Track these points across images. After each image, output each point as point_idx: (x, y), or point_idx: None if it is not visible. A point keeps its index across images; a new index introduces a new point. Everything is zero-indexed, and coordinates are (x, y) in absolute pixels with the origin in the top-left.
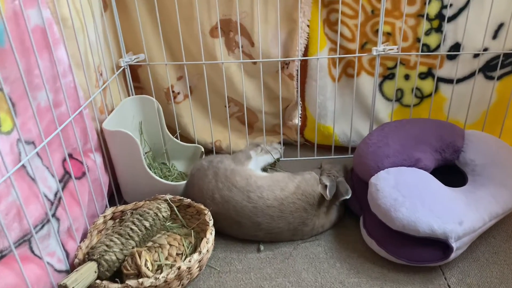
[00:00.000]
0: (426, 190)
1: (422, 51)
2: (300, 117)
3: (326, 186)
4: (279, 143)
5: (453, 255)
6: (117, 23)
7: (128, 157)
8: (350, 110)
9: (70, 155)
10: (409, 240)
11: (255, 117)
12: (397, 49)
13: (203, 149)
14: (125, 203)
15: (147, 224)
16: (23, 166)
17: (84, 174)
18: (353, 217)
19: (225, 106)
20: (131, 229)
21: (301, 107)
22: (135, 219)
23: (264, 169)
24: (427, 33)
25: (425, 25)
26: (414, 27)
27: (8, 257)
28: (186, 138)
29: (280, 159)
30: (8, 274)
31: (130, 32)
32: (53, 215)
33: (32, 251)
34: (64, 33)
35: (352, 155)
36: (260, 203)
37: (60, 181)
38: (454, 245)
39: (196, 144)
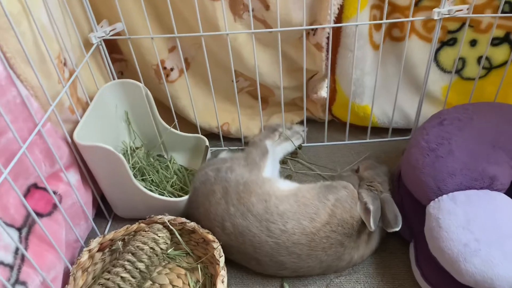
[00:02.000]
0: (507, 230)
1: (502, 12)
2: (329, 89)
3: (369, 210)
4: (301, 122)
5: None
6: None
7: (112, 173)
8: (393, 85)
9: (35, 185)
10: None
11: (270, 91)
12: (468, 9)
13: (207, 143)
14: (116, 216)
15: (142, 266)
16: None
17: (55, 206)
18: (400, 239)
19: (232, 81)
20: (122, 278)
21: (330, 78)
22: (126, 262)
23: (284, 161)
24: None
25: None
26: None
27: None
28: (186, 123)
29: (303, 145)
30: None
31: None
32: (16, 281)
33: None
34: None
35: (393, 138)
36: (283, 238)
37: (22, 227)
38: None
39: (199, 135)
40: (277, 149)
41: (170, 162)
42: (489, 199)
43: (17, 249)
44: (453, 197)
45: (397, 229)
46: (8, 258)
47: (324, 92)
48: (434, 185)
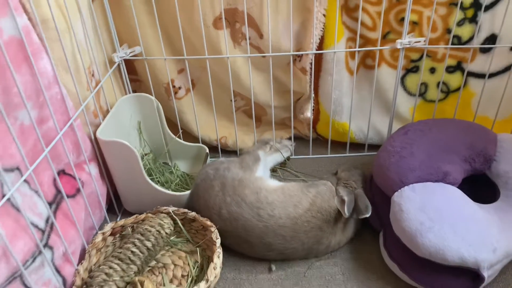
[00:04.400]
0: (457, 213)
1: (452, 44)
2: (313, 110)
3: (343, 201)
4: (289, 138)
5: (483, 284)
6: (108, 14)
7: (126, 167)
8: (367, 106)
9: (63, 171)
10: (436, 268)
11: (263, 110)
12: (424, 41)
13: (207, 150)
14: (125, 211)
15: (149, 244)
16: (8, 198)
17: (78, 190)
18: (371, 230)
19: (231, 101)
20: (132, 252)
21: (313, 100)
22: (136, 240)
23: (274, 169)
24: (460, 23)
25: (457, 14)
26: (445, 17)
27: None
28: (189, 135)
29: (291, 157)
30: None
31: (124, 24)
32: (46, 244)
33: (25, 285)
34: (45, 38)
35: (369, 153)
36: (271, 222)
37: (52, 203)
38: (485, 274)
39: (200, 144)
40: (268, 158)
41: (173, 168)
42: (442, 189)
43: (47, 219)
44: (412, 188)
45: (367, 215)
46: (41, 224)
47: (309, 113)
48: (398, 179)
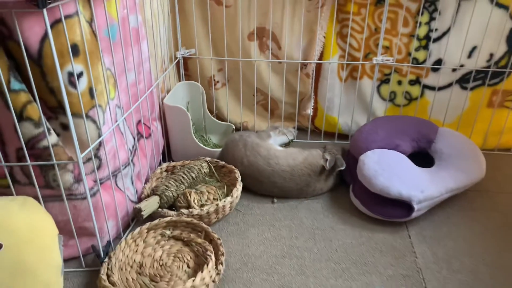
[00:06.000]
0: (400, 166)
1: (412, 63)
2: (312, 108)
3: (326, 159)
4: (294, 128)
5: (414, 214)
6: (177, 24)
7: (180, 127)
8: (352, 106)
9: (140, 121)
10: (383, 201)
11: (276, 105)
12: (393, 60)
13: (233, 127)
14: (173, 161)
15: (193, 175)
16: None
17: (150, 135)
18: (345, 186)
19: (253, 95)
20: (182, 177)
21: (313, 100)
22: (185, 171)
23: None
24: (417, 49)
25: (415, 43)
26: (407, 44)
27: (104, 184)
28: (220, 117)
29: (293, 140)
30: (104, 194)
31: (186, 31)
32: (131, 160)
33: (117, 185)
34: (146, 32)
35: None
36: (276, 168)
37: (134, 139)
38: (415, 206)
39: (228, 123)
40: (277, 138)
41: (208, 139)
42: (393, 153)
43: (133, 146)
44: (373, 151)
45: (342, 168)
46: (130, 147)
47: (309, 110)
48: (365, 147)
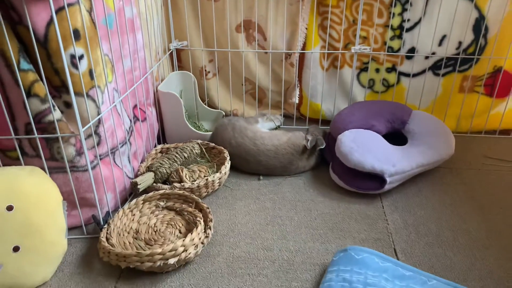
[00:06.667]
0: (373, 143)
1: (387, 52)
2: (298, 96)
3: (308, 140)
4: (280, 115)
5: (387, 187)
6: (170, 17)
7: (173, 112)
8: (334, 93)
9: (136, 105)
10: (358, 174)
11: (264, 94)
12: (370, 49)
13: (224, 113)
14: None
15: (185, 154)
16: (115, 105)
17: (145, 119)
18: (326, 166)
19: (242, 84)
20: (175, 156)
21: (298, 89)
22: (178, 151)
23: None
24: (391, 38)
25: (390, 33)
26: (382, 34)
27: (103, 160)
28: (212, 106)
29: (280, 126)
30: (104, 169)
31: (178, 25)
32: (128, 140)
33: (115, 161)
34: (141, 23)
35: None
36: (262, 148)
37: (130, 121)
38: (388, 179)
39: (219, 110)
40: (265, 124)
41: (200, 125)
42: (368, 132)
43: (129, 127)
44: (350, 131)
45: (323, 147)
46: (127, 127)
47: (295, 98)
48: (342, 127)
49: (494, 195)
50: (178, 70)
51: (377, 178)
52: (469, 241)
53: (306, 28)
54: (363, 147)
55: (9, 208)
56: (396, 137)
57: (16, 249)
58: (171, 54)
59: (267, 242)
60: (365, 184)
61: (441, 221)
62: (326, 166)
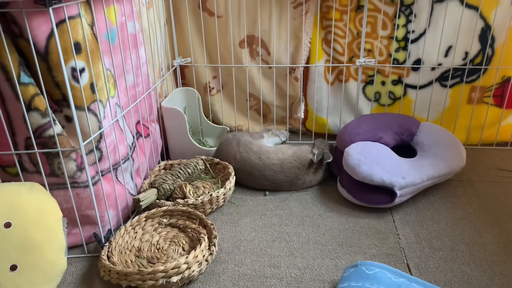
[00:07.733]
0: (381, 155)
1: (393, 64)
2: (303, 111)
3: (314, 153)
4: (286, 130)
5: (397, 200)
6: (173, 34)
7: (177, 128)
8: (340, 107)
9: (139, 121)
10: (367, 188)
11: (269, 109)
12: (375, 61)
13: (228, 129)
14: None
15: (189, 170)
16: (117, 120)
17: (148, 135)
18: (334, 180)
19: (246, 100)
20: (179, 172)
21: (303, 104)
22: (181, 167)
23: None
24: (397, 50)
25: (394, 44)
26: (387, 46)
27: (105, 176)
28: (216, 122)
29: (286, 141)
30: (105, 185)
31: (182, 41)
32: (131, 156)
33: (117, 178)
34: (144, 39)
35: None
36: (267, 162)
37: (133, 137)
38: (398, 192)
39: (224, 126)
40: (270, 139)
41: (204, 142)
42: (375, 145)
43: (132, 143)
44: (357, 143)
45: (329, 160)
46: (129, 143)
47: (300, 113)
48: (349, 140)
49: (509, 207)
50: (182, 86)
51: (387, 191)
52: (486, 255)
53: (310, 42)
54: (371, 159)
55: (7, 225)
56: (405, 150)
57: (13, 268)
58: (175, 71)
59: (274, 259)
60: (374, 197)
61: (455, 234)
62: (334, 180)
